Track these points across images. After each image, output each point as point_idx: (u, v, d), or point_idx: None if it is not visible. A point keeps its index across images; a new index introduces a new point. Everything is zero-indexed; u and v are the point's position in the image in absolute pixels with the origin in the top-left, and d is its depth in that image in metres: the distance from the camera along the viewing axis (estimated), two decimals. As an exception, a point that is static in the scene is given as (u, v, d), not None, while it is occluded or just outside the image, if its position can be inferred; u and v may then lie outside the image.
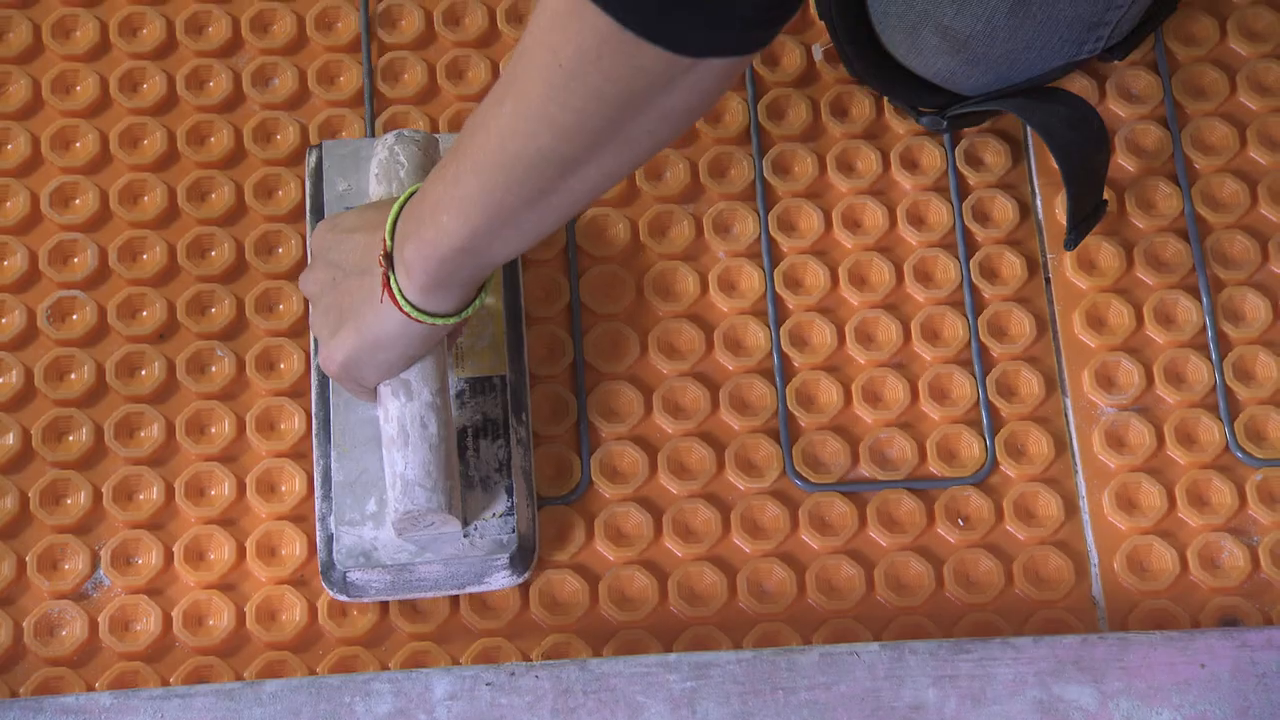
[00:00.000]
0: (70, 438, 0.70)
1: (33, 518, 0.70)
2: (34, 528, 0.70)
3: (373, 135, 0.77)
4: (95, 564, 0.69)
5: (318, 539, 0.71)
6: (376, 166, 0.69)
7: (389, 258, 0.61)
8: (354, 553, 0.70)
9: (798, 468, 0.71)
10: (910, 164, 0.79)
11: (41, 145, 0.77)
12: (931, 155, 0.78)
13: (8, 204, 0.75)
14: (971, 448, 0.73)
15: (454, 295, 0.63)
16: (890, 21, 0.80)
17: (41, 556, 0.68)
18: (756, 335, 0.74)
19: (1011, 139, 0.79)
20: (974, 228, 0.77)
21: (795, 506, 0.71)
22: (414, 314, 0.62)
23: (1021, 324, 0.75)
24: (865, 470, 0.72)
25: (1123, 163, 0.77)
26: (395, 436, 0.67)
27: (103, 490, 0.70)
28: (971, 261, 0.77)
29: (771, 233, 0.77)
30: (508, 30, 0.81)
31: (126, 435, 0.70)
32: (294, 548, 0.69)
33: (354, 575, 0.71)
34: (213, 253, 0.74)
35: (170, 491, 0.70)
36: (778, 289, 0.76)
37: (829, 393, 0.73)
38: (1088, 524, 0.72)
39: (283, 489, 0.70)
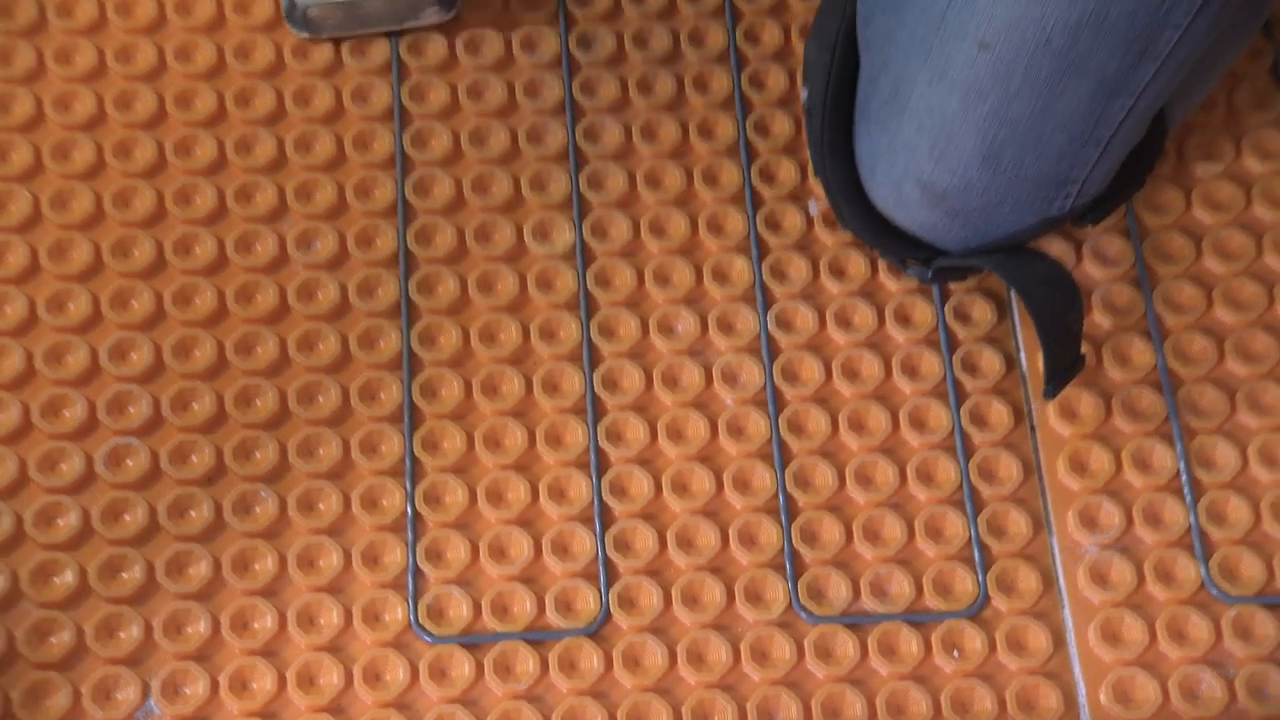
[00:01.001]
0: (124, 574, 0.74)
1: (88, 650, 0.72)
2: (88, 660, 0.72)
3: (406, 287, 0.83)
4: (146, 694, 0.71)
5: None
6: None
7: None
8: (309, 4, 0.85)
9: (803, 601, 0.75)
10: (903, 319, 0.82)
11: (101, 303, 0.82)
12: (923, 311, 0.82)
13: (68, 358, 0.79)
14: (965, 583, 0.76)
15: None
16: (877, 178, 0.84)
17: (95, 687, 0.70)
18: (763, 477, 0.78)
19: (997, 296, 0.84)
20: (963, 378, 0.81)
21: (801, 638, 0.74)
22: None
23: (1009, 468, 0.78)
24: (866, 604, 0.75)
25: (1099, 319, 0.82)
26: None
27: (153, 624, 0.73)
28: (962, 409, 0.80)
29: (776, 382, 0.81)
30: (534, 244, 0.86)
31: (176, 572, 0.74)
32: (331, 676, 0.72)
33: (313, 11, 0.85)
34: (257, 401, 0.79)
35: (216, 625, 0.73)
36: (782, 434, 0.79)
37: (831, 530, 0.77)
38: (1075, 656, 0.75)
39: (320, 622, 0.74)
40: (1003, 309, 0.86)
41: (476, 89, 0.90)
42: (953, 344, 0.83)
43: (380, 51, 0.91)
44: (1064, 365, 0.82)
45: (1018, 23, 0.75)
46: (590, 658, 0.74)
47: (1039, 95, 0.79)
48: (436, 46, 0.91)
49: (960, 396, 0.82)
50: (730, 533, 0.78)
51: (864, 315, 0.84)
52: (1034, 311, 0.83)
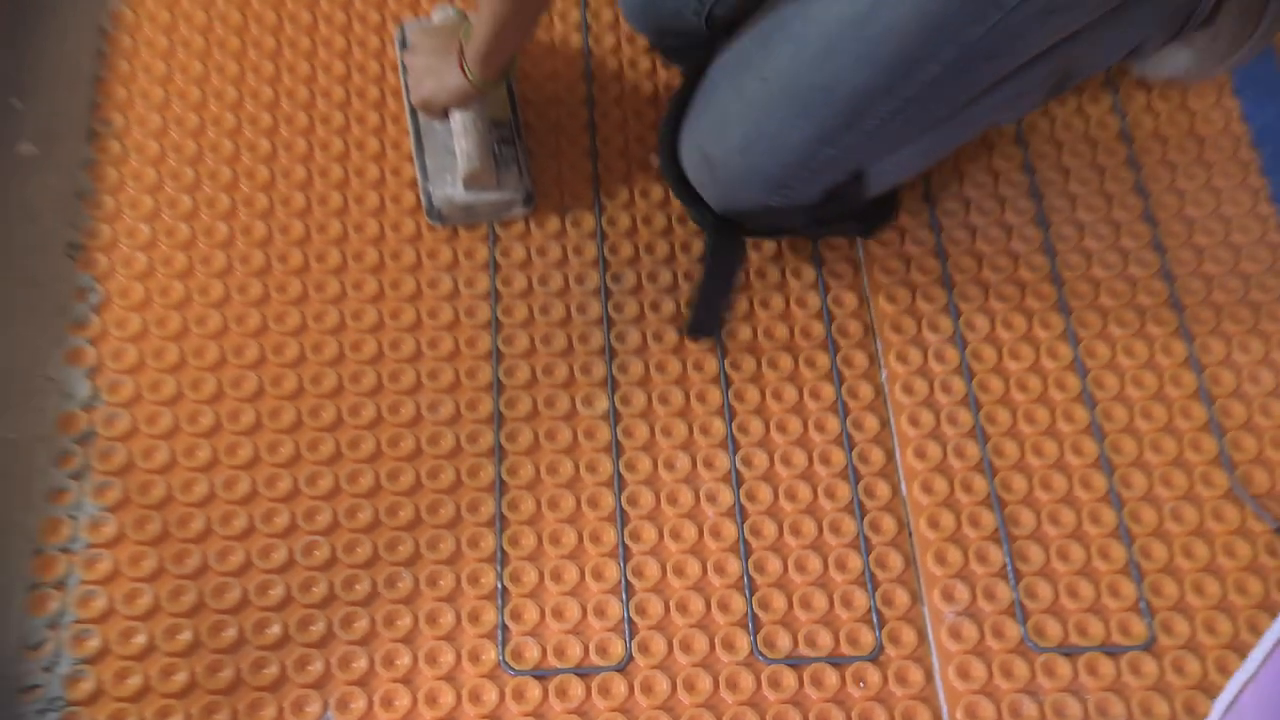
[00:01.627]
0: (312, 628, 0.81)
1: (287, 678, 0.79)
2: (287, 686, 0.79)
3: (498, 438, 0.89)
4: (325, 708, 0.78)
5: (421, 198, 0.99)
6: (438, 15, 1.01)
7: (461, 53, 0.91)
8: (442, 200, 0.98)
9: (760, 648, 0.80)
10: (824, 459, 0.89)
11: (302, 448, 0.88)
12: (838, 454, 0.89)
13: (280, 484, 0.86)
14: (868, 637, 0.82)
15: (490, 73, 0.92)
16: (683, 141, 0.93)
17: (293, 703, 0.78)
18: (733, 564, 0.84)
19: (886, 447, 0.90)
20: (866, 500, 0.87)
21: (759, 673, 0.80)
22: (471, 78, 0.92)
23: (895, 560, 0.85)
24: (803, 650, 0.81)
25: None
26: (460, 133, 0.95)
27: (331, 661, 0.80)
28: (864, 522, 0.86)
29: (741, 501, 0.87)
30: (582, 408, 0.93)
31: (346, 626, 0.81)
32: (448, 697, 0.78)
33: (444, 209, 0.99)
34: (400, 511, 0.85)
35: (372, 661, 0.80)
36: (746, 536, 0.85)
37: (778, 601, 0.83)
38: (940, 688, 0.80)
39: (440, 660, 0.80)
40: (889, 456, 0.91)
41: (544, 278, 0.98)
42: (858, 475, 0.90)
43: (481, 253, 1.00)
44: (711, 316, 0.95)
45: (784, 72, 0.84)
46: (620, 686, 0.81)
47: (782, 123, 0.85)
48: (518, 251, 0.99)
49: (863, 512, 0.88)
50: (711, 602, 0.84)
51: (799, 457, 0.90)
52: (711, 264, 0.96)
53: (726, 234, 0.95)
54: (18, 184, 1.01)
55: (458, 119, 0.95)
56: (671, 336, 0.96)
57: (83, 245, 0.98)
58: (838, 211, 0.98)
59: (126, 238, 0.98)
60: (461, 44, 0.92)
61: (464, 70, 0.92)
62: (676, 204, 1.02)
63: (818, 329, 0.97)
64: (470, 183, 0.96)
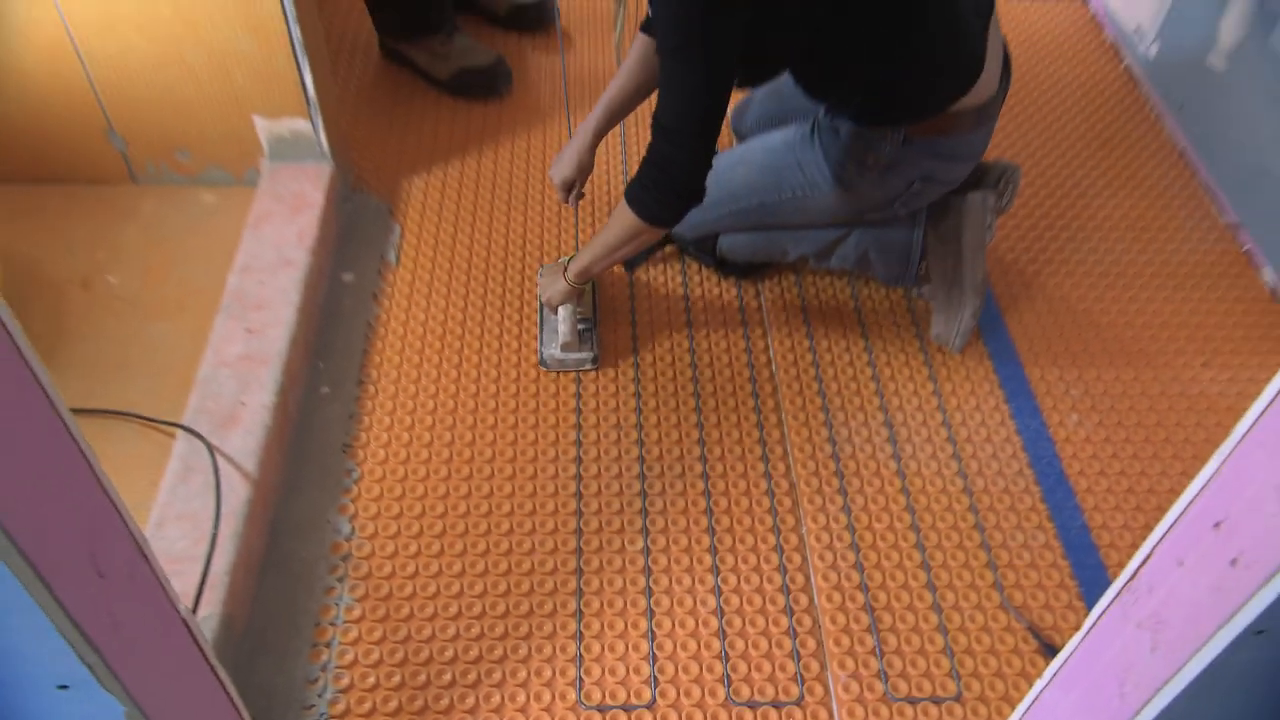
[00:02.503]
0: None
1: (453, 708, 0.97)
2: (454, 716, 0.96)
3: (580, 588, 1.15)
4: None
5: (538, 354, 1.27)
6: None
7: (565, 269, 1.22)
8: (549, 357, 1.29)
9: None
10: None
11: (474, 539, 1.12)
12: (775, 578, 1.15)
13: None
14: None
15: (581, 280, 1.20)
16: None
17: None
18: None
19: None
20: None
21: None
22: (570, 282, 1.22)
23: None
24: None
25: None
26: (560, 318, 1.27)
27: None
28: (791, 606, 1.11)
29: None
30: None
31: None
32: None
33: (550, 362, 1.29)
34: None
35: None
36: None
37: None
38: None
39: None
40: (808, 579, 1.12)
41: (599, 405, 1.21)
42: (789, 588, 1.12)
43: (570, 387, 1.21)
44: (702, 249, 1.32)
45: (748, 151, 1.18)
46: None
47: (723, 178, 1.13)
48: (589, 386, 1.20)
49: (791, 610, 1.12)
50: (701, 652, 1.05)
51: (755, 575, 1.12)
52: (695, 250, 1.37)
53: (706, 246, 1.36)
54: (320, 410, 1.28)
55: (560, 310, 1.28)
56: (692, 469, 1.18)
57: (350, 444, 1.24)
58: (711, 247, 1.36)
59: (376, 442, 1.23)
60: (565, 265, 1.23)
61: (565, 279, 1.23)
62: (688, 363, 1.28)
63: (766, 503, 1.20)
64: (564, 349, 1.28)
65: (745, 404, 1.28)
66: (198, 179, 1.43)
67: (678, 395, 1.30)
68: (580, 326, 1.30)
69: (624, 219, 1.08)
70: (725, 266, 1.39)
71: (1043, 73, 1.86)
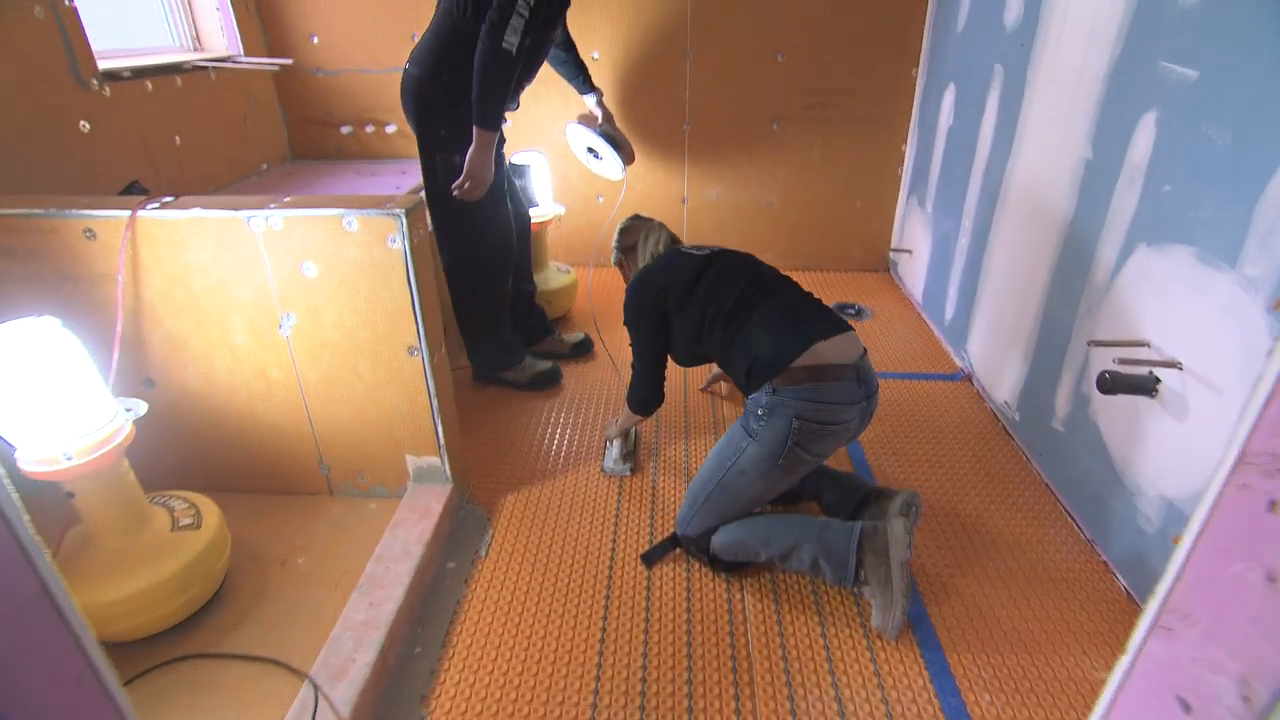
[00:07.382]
0: None
1: None
2: None
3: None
4: None
5: (601, 467, 1.97)
6: None
7: (612, 425, 2.16)
8: (607, 467, 2.05)
9: None
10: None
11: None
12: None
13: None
14: None
15: (620, 435, 2.16)
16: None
17: None
18: None
19: None
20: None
21: None
22: (609, 435, 2.18)
23: None
24: None
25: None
26: (612, 451, 2.09)
27: None
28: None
29: None
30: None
31: None
32: None
33: (608, 471, 2.04)
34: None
35: None
36: None
37: None
38: None
39: None
40: None
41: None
42: None
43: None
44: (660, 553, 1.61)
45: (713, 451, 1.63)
46: None
47: (697, 476, 1.62)
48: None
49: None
50: None
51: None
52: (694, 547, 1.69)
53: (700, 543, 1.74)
54: (411, 666, 1.58)
55: (613, 444, 2.08)
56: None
57: (426, 694, 1.62)
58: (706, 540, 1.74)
59: (446, 695, 1.51)
60: (613, 423, 1.83)
61: (608, 433, 1.84)
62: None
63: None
64: (613, 468, 2.04)
65: (726, 679, 1.51)
66: (369, 493, 1.97)
67: (673, 662, 1.58)
68: (625, 454, 2.13)
69: (625, 408, 1.97)
70: (717, 564, 1.79)
71: (945, 430, 2.37)
